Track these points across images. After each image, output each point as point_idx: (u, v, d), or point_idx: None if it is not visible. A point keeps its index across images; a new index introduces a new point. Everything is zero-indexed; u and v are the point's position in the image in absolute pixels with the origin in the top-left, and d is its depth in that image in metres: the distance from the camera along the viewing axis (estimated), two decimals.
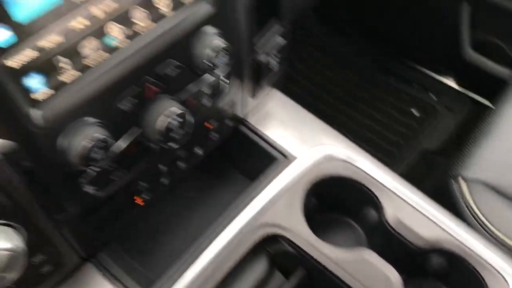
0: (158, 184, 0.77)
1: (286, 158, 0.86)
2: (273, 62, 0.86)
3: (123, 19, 0.58)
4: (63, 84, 0.56)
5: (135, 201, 0.75)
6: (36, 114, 0.53)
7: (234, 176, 0.94)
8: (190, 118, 0.66)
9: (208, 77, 0.71)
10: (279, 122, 0.94)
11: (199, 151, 0.81)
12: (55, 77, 0.55)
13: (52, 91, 0.55)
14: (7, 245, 0.55)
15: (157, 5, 0.61)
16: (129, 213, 0.76)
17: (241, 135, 0.90)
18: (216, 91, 0.74)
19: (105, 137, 0.57)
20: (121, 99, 0.60)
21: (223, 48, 0.66)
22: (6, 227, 0.57)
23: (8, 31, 0.50)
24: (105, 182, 0.65)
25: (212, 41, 0.66)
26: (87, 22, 0.56)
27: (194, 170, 0.83)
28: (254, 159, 0.90)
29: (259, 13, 0.77)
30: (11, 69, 0.51)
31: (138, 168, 0.69)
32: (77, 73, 0.56)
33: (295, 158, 0.85)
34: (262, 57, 0.83)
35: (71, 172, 0.60)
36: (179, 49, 0.64)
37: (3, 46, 0.49)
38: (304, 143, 0.88)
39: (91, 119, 0.58)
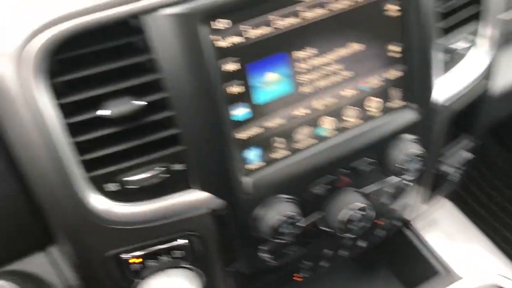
0: (318, 266, 0.79)
1: (449, 274, 0.83)
2: (455, 174, 0.86)
3: (336, 114, 0.64)
4: (274, 160, 0.62)
5: (294, 277, 0.78)
6: (247, 182, 0.60)
7: (387, 277, 0.92)
8: (370, 213, 0.69)
9: (394, 178, 0.73)
10: (445, 234, 0.91)
11: (362, 244, 0.82)
12: (268, 153, 0.61)
13: (263, 165, 0.61)
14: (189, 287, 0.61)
15: (368, 108, 0.66)
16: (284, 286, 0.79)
17: (404, 238, 0.90)
18: (397, 192, 0.76)
19: (294, 214, 0.62)
20: (316, 184, 0.65)
21: (418, 155, 0.68)
22: (189, 271, 0.64)
23: (246, 109, 0.57)
24: (279, 254, 0.69)
25: (408, 146, 0.68)
26: (307, 112, 0.62)
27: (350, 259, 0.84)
28: (413, 266, 0.88)
29: (453, 126, 0.78)
30: (238, 140, 0.58)
31: (310, 247, 0.72)
32: (287, 153, 0.62)
33: (459, 278, 0.82)
34: (445, 168, 0.83)
35: (256, 237, 0.65)
36: (377, 149, 0.68)
37: (240, 119, 0.57)
38: (471, 264, 0.84)
39: (285, 196, 0.63)
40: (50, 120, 0.49)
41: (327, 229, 0.71)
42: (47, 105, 0.49)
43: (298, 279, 0.78)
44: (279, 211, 0.62)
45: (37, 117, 0.49)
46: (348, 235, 0.69)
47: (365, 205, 0.67)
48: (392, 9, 0.62)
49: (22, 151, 0.51)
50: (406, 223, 0.90)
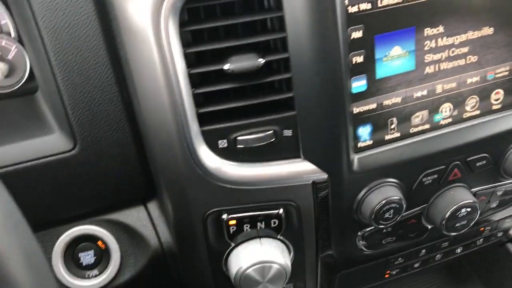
0: (410, 266, 0.75)
1: None
2: None
3: (458, 101, 0.60)
4: (385, 141, 0.59)
5: (385, 275, 0.75)
6: (355, 160, 0.58)
7: None
8: (475, 214, 0.64)
9: (507, 182, 0.68)
10: None
11: (459, 250, 0.77)
12: (380, 133, 0.59)
13: (373, 144, 0.59)
14: (281, 260, 0.60)
15: (493, 100, 0.61)
16: (375, 281, 0.76)
17: (506, 254, 0.83)
18: (509, 199, 0.70)
19: (400, 200, 0.59)
20: (428, 174, 0.61)
21: None
22: (281, 244, 0.62)
23: (365, 82, 0.55)
24: (375, 243, 0.66)
25: None
26: (427, 94, 0.59)
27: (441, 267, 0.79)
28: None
29: None
30: (352, 115, 0.56)
31: (406, 242, 0.69)
32: (399, 135, 0.60)
33: None
34: None
35: (353, 220, 0.62)
36: (495, 146, 0.63)
37: (357, 92, 0.55)
38: None
39: (392, 180, 0.60)
40: (177, 68, 0.50)
41: (428, 225, 0.67)
42: (176, 53, 0.50)
43: (385, 277, 0.75)
44: (384, 195, 0.59)
45: (166, 64, 0.50)
46: (449, 233, 0.64)
47: (474, 203, 0.63)
48: None
49: (145, 96, 0.53)
50: (510, 239, 0.84)
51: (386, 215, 0.59)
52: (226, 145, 0.55)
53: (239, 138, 0.54)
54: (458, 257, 0.79)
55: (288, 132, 0.55)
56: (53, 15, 0.53)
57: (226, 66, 0.51)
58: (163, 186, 0.59)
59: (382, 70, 0.56)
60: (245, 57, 0.51)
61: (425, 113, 0.60)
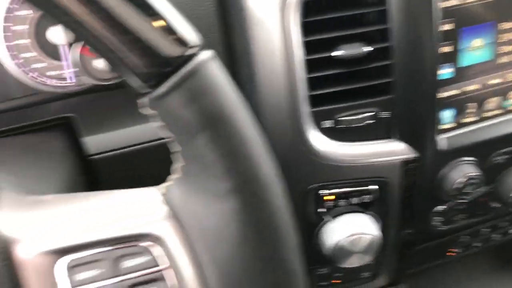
0: (472, 245, 0.82)
1: None
2: None
3: None
4: (464, 123, 0.67)
5: (447, 252, 0.82)
6: (441, 139, 0.65)
7: None
8: None
9: None
10: None
11: None
12: (460, 116, 0.66)
13: (455, 126, 0.66)
14: (374, 231, 0.66)
15: None
16: (437, 259, 0.82)
17: None
18: None
19: (479, 175, 0.66)
20: (499, 153, 0.68)
21: None
22: (374, 219, 0.69)
23: (451, 70, 0.63)
24: (450, 220, 0.73)
25: None
26: (501, 82, 0.66)
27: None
28: None
29: None
30: (439, 99, 0.64)
31: (474, 219, 0.76)
32: (476, 120, 0.67)
33: None
34: None
35: (434, 196, 0.69)
36: None
37: (444, 78, 0.63)
38: None
39: (471, 159, 0.68)
40: (297, 55, 0.57)
41: (495, 204, 0.74)
42: (298, 41, 0.57)
43: (452, 254, 0.81)
44: (464, 172, 0.66)
45: (288, 51, 0.57)
46: None
47: None
48: None
49: (264, 82, 0.59)
50: None
51: (466, 189, 0.66)
52: (330, 125, 0.62)
53: (342, 118, 0.62)
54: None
55: (385, 114, 0.63)
56: None
57: (339, 53, 0.58)
58: None
59: (465, 60, 0.63)
60: (354, 46, 0.58)
61: (497, 99, 0.67)
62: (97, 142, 0.63)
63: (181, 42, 0.33)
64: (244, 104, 0.36)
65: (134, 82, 0.34)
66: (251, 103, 0.64)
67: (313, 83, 0.60)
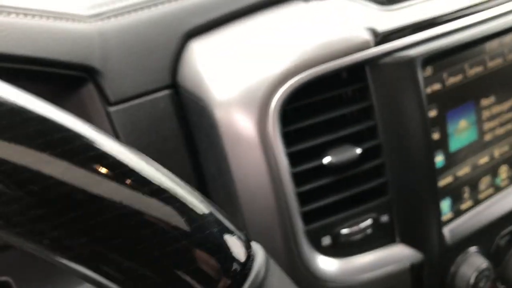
0: None
1: None
2: None
3: (510, 163, 0.64)
4: (462, 211, 0.61)
5: None
6: (445, 234, 0.58)
7: None
8: None
9: None
10: None
11: None
12: (457, 204, 0.60)
13: (454, 216, 0.60)
14: None
15: None
16: None
17: None
18: None
19: (489, 266, 0.60)
20: (502, 235, 0.63)
21: None
22: None
23: (442, 157, 0.57)
24: None
25: None
26: (488, 160, 0.62)
27: None
28: None
29: None
30: (438, 189, 0.57)
31: None
32: (472, 203, 0.61)
33: None
34: None
35: None
36: None
37: (439, 166, 0.57)
38: None
39: (476, 248, 0.61)
40: (282, 169, 0.49)
41: (502, 286, 0.68)
42: (280, 154, 0.49)
43: None
44: (473, 265, 0.59)
45: (272, 165, 0.48)
46: None
47: None
48: None
49: (248, 199, 0.50)
50: None
51: (481, 284, 0.59)
52: (329, 241, 0.53)
53: (342, 232, 0.53)
54: None
55: (384, 218, 0.55)
56: (137, 135, 0.50)
57: (326, 160, 0.51)
58: None
59: (454, 144, 0.58)
60: (343, 149, 0.51)
61: (488, 178, 0.63)
62: None
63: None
64: None
65: None
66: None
67: (303, 197, 0.51)
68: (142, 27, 0.51)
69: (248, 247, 0.24)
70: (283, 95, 0.48)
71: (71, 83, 0.50)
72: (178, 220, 0.21)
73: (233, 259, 0.22)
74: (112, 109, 0.49)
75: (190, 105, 0.52)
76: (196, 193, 0.23)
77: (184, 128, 0.52)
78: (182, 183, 0.23)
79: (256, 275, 0.23)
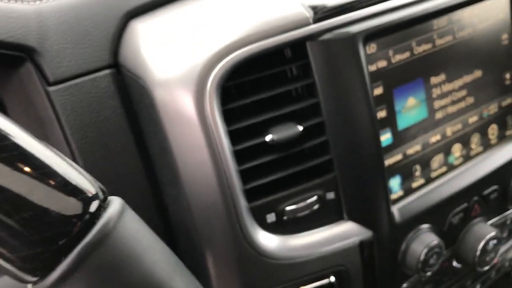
0: None
1: None
2: None
3: (464, 141, 0.64)
4: (413, 189, 0.61)
5: None
6: (394, 212, 0.58)
7: None
8: (499, 245, 0.67)
9: None
10: None
11: (478, 286, 0.79)
12: (408, 183, 0.60)
13: (403, 194, 0.60)
14: None
15: (490, 135, 0.66)
16: None
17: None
18: None
19: (439, 243, 0.60)
20: (454, 213, 0.63)
21: None
22: None
23: (390, 135, 0.58)
24: None
25: None
26: (440, 138, 0.62)
27: None
28: None
29: None
30: (386, 168, 0.58)
31: (441, 286, 0.69)
32: (423, 182, 0.62)
33: None
34: None
35: (397, 272, 0.62)
36: (502, 178, 0.67)
37: (385, 145, 0.57)
38: None
39: (427, 226, 0.62)
40: (222, 146, 0.49)
41: (458, 265, 0.68)
42: (220, 132, 0.49)
43: None
44: (424, 242, 0.60)
45: (212, 145, 0.49)
46: (481, 268, 0.66)
47: (497, 234, 0.66)
48: (506, 38, 0.65)
49: (190, 180, 0.50)
50: None
51: (431, 261, 0.60)
52: (274, 218, 0.53)
53: (286, 209, 0.53)
54: None
55: (330, 195, 0.55)
56: (77, 115, 0.50)
57: (268, 138, 0.51)
58: (209, 271, 0.55)
59: (402, 122, 0.58)
60: (285, 127, 0.51)
61: (441, 156, 0.63)
62: None
63: (76, 194, 0.23)
64: (180, 266, 0.26)
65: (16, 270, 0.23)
66: (178, 209, 0.54)
67: (246, 175, 0.52)
68: (82, 7, 0.51)
69: (101, 199, 0.25)
70: (220, 72, 0.48)
71: (10, 63, 0.50)
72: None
73: (81, 209, 0.23)
74: (51, 89, 0.49)
75: (132, 85, 0.52)
76: (44, 148, 0.24)
77: (127, 107, 0.53)
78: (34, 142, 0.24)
79: (105, 224, 0.23)
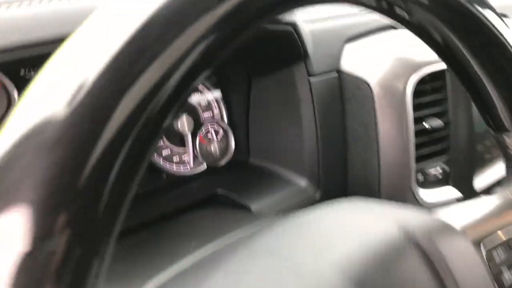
0: None
1: None
2: None
3: None
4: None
5: None
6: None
7: None
8: None
9: None
10: None
11: None
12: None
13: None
14: None
15: None
16: None
17: None
18: None
19: None
20: None
21: None
22: None
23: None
24: None
25: None
26: None
27: None
28: None
29: None
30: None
31: None
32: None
33: None
34: None
35: None
36: None
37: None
38: None
39: None
40: (410, 125, 0.79)
41: None
42: (411, 115, 0.79)
43: None
44: None
45: (404, 123, 0.78)
46: None
47: None
48: None
49: (384, 147, 0.78)
50: None
51: None
52: (422, 178, 0.83)
53: (428, 172, 0.84)
54: None
55: (447, 168, 0.87)
56: (322, 97, 0.76)
57: (427, 125, 0.82)
58: None
59: None
60: (433, 120, 0.83)
61: None
62: None
63: None
64: None
65: None
66: (363, 168, 0.81)
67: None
68: (326, 30, 0.79)
69: None
70: (415, 77, 0.79)
71: (289, 62, 0.75)
72: None
73: None
74: (312, 79, 0.75)
75: (346, 82, 0.80)
76: None
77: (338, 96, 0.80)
78: None
79: None
